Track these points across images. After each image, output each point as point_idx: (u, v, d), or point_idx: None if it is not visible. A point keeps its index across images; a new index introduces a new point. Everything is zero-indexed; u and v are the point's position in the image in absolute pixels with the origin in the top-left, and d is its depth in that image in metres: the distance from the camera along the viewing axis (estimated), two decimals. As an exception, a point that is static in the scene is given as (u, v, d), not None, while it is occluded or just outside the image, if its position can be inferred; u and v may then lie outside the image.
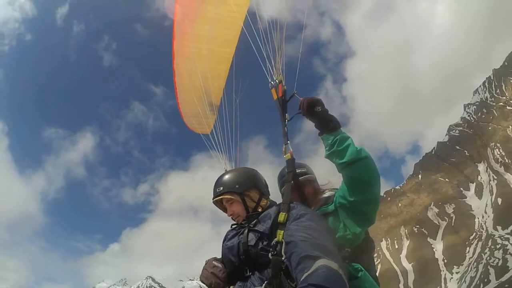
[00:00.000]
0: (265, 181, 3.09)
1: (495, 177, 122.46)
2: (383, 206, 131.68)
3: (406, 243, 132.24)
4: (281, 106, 3.39)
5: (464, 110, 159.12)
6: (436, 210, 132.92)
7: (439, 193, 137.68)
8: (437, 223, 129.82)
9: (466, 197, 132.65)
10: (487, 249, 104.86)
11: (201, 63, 4.96)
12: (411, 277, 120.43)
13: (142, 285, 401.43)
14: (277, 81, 3.51)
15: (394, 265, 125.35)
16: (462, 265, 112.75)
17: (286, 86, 3.44)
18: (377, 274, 3.16)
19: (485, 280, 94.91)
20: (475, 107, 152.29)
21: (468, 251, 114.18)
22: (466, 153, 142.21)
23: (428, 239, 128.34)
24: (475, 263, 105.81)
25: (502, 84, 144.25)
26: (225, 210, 3.03)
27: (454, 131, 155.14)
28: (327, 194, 3.30)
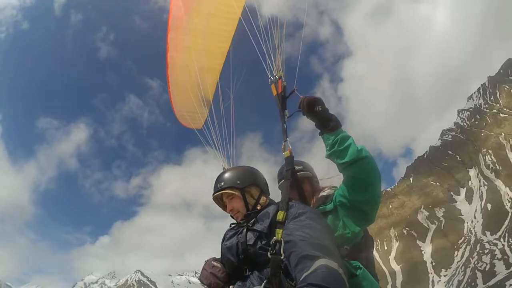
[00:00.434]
0: (265, 180, 3.09)
1: (486, 183, 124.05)
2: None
3: (395, 244, 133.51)
4: (280, 102, 3.34)
5: (458, 115, 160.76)
6: (426, 213, 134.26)
7: (430, 197, 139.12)
8: (427, 226, 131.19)
9: (456, 202, 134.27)
10: (475, 253, 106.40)
11: (197, 58, 4.90)
12: (399, 279, 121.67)
13: (131, 278, 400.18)
14: (276, 76, 3.47)
15: (383, 266, 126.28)
16: (450, 268, 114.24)
17: (286, 82, 3.41)
18: None
19: (472, 284, 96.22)
20: (468, 113, 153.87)
21: (457, 255, 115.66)
22: (458, 158, 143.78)
23: (417, 242, 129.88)
24: (463, 267, 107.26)
25: (497, 91, 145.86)
26: (224, 207, 3.03)
27: (447, 136, 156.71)
28: (326, 192, 3.29)
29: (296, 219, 2.45)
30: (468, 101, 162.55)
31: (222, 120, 4.35)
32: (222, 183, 2.90)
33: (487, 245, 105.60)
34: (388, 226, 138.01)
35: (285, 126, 3.19)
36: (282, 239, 2.34)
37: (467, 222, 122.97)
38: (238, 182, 2.88)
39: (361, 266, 2.66)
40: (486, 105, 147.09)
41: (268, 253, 2.36)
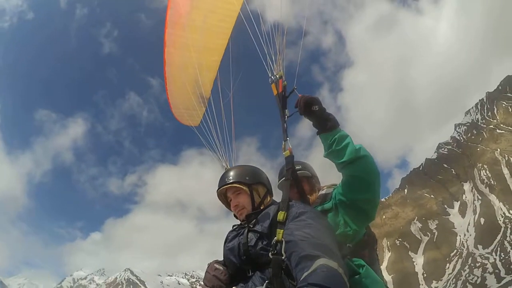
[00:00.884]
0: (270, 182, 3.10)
1: (480, 197, 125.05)
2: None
3: (387, 255, 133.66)
4: (280, 101, 3.32)
5: (455, 129, 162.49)
6: (420, 225, 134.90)
7: (424, 209, 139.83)
8: (419, 238, 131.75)
9: (449, 215, 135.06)
10: (467, 266, 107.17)
11: (195, 54, 4.85)
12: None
13: (120, 276, 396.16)
14: (277, 76, 3.45)
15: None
16: (441, 280, 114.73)
17: (286, 82, 3.38)
18: None
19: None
20: (465, 127, 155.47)
21: (448, 267, 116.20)
22: (453, 172, 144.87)
23: (410, 253, 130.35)
24: (454, 279, 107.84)
25: (494, 107, 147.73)
26: (227, 204, 3.03)
27: (443, 149, 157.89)
28: (325, 191, 3.30)
29: (297, 219, 2.45)
30: (465, 115, 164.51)
31: (223, 118, 4.34)
32: (231, 178, 2.90)
33: (479, 259, 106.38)
34: (381, 236, 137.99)
35: (285, 126, 3.17)
36: (283, 239, 2.32)
37: (460, 235, 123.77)
38: (247, 178, 2.89)
39: (364, 263, 2.65)
40: (484, 121, 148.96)
41: (270, 254, 2.36)
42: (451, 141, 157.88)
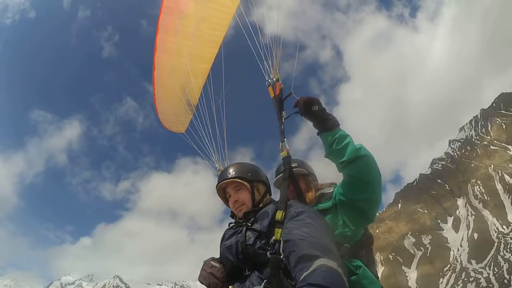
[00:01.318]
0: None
1: (473, 213, 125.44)
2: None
3: (380, 269, 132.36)
4: (277, 104, 3.36)
5: (449, 145, 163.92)
6: (413, 239, 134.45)
7: (417, 223, 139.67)
8: (413, 252, 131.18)
9: (443, 230, 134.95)
10: (460, 281, 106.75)
11: (184, 61, 4.92)
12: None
13: (108, 283, 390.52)
14: (274, 79, 3.50)
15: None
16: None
17: (283, 85, 3.43)
18: None
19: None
20: (459, 143, 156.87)
21: (442, 282, 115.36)
22: (447, 187, 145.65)
23: (403, 267, 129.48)
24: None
25: (488, 124, 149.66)
26: (225, 200, 3.00)
27: (437, 164, 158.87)
28: (325, 190, 3.25)
29: (295, 218, 2.44)
30: (459, 131, 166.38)
31: (215, 124, 4.44)
32: (233, 173, 2.87)
33: (472, 273, 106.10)
34: (375, 250, 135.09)
35: (282, 127, 3.21)
36: (281, 238, 2.34)
37: (453, 250, 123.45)
38: (249, 174, 2.87)
39: (361, 264, 2.65)
40: (478, 137, 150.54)
41: (268, 253, 2.36)
42: (445, 157, 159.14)
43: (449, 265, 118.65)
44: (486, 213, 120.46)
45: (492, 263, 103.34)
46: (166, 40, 4.90)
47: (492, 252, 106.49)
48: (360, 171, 2.68)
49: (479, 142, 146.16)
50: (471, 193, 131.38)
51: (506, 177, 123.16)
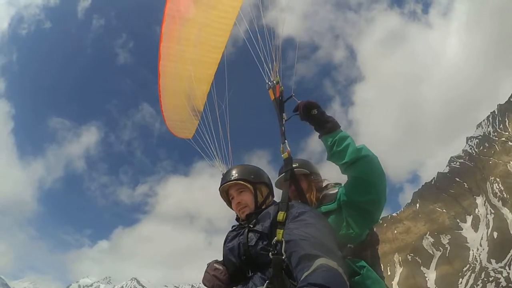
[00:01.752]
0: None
1: (493, 211, 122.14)
2: (378, 231, 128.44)
3: (399, 270, 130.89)
4: (278, 106, 3.39)
5: (467, 143, 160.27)
6: (432, 239, 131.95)
7: (436, 223, 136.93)
8: (432, 253, 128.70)
9: (462, 229, 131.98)
10: (480, 281, 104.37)
11: (188, 67, 4.94)
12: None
13: (126, 285, 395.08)
14: (274, 82, 3.53)
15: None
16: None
17: (283, 87, 3.46)
18: None
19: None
20: (477, 140, 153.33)
21: (461, 282, 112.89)
22: (466, 186, 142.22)
23: (422, 268, 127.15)
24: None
25: (506, 119, 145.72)
26: (228, 202, 3.05)
27: (455, 162, 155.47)
28: (329, 190, 3.26)
29: (297, 218, 2.46)
30: (477, 128, 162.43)
31: (219, 129, 4.46)
32: (236, 175, 2.90)
33: (492, 273, 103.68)
34: (393, 251, 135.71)
35: (283, 129, 3.21)
36: (283, 239, 2.34)
37: (473, 250, 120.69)
38: (252, 176, 2.90)
39: (365, 264, 2.67)
40: (495, 133, 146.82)
41: (270, 254, 2.38)
42: (463, 155, 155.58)
43: (468, 265, 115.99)
44: (506, 211, 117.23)
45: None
46: (169, 48, 4.94)
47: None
48: (362, 171, 2.68)
49: (497, 138, 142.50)
50: (490, 191, 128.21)
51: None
